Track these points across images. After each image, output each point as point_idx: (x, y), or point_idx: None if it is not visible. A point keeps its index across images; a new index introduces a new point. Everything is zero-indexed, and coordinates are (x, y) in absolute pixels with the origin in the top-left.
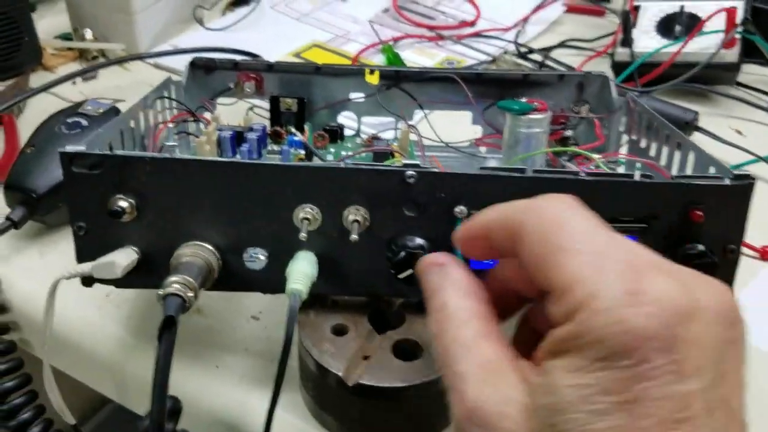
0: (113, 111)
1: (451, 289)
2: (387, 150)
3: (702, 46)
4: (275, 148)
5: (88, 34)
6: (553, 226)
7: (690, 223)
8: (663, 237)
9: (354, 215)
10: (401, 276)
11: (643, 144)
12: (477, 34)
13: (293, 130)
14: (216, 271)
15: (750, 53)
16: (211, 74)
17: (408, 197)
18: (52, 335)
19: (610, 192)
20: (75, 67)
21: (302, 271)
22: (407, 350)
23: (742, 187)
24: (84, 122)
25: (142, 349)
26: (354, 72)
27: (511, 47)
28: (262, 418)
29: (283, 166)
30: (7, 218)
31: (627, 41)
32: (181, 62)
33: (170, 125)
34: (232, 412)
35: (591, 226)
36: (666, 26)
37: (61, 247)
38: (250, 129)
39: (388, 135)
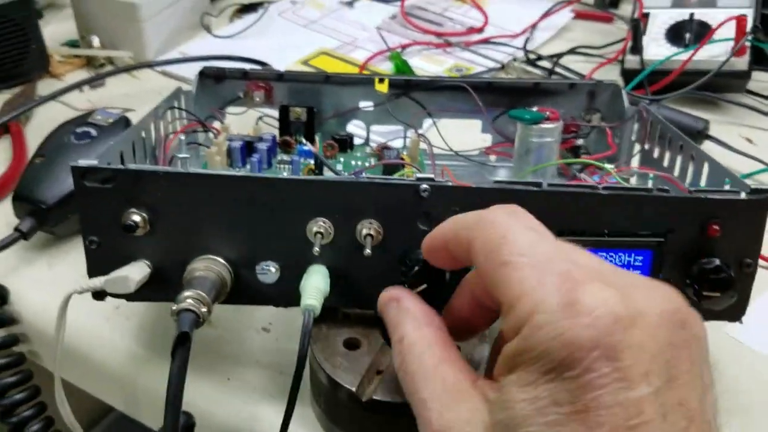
0: (122, 121)
1: (408, 321)
2: (398, 162)
3: (712, 54)
4: (285, 157)
5: (96, 41)
6: (498, 240)
7: (706, 238)
8: (679, 251)
9: (367, 229)
10: (416, 291)
11: (655, 154)
12: (485, 41)
13: (303, 140)
14: (229, 285)
15: (760, 61)
16: (221, 83)
17: (421, 210)
18: (62, 347)
19: (627, 206)
20: (82, 74)
21: (316, 286)
22: None
23: (759, 202)
24: (93, 132)
25: (152, 361)
26: (363, 81)
27: (520, 54)
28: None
29: (297, 179)
30: (16, 229)
31: (637, 49)
32: (189, 70)
33: (181, 136)
34: (244, 426)
35: (534, 237)
36: (675, 34)
37: (71, 258)
38: (260, 139)
39: (398, 144)
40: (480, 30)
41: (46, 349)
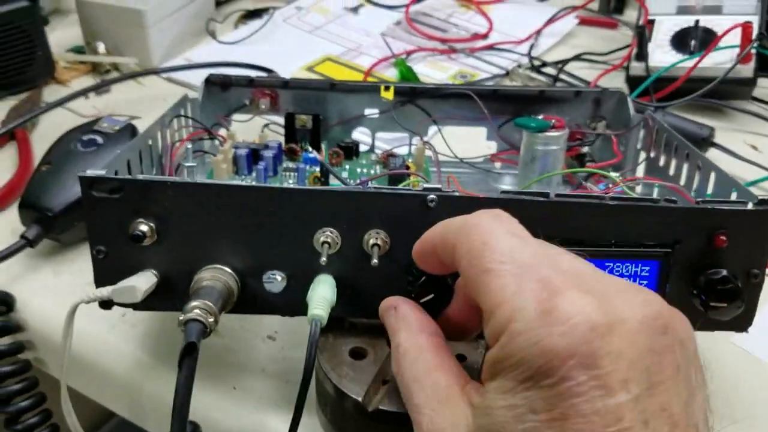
0: (129, 128)
1: (403, 329)
2: (404, 172)
3: (717, 61)
4: (291, 165)
5: (101, 47)
6: (480, 247)
7: (713, 248)
8: (686, 262)
9: (374, 239)
10: (422, 301)
11: (661, 162)
12: (490, 47)
13: (309, 147)
14: (235, 294)
15: (765, 68)
16: (227, 91)
17: (429, 221)
18: (69, 356)
19: (634, 216)
20: (88, 80)
21: (323, 296)
22: None
23: (766, 213)
24: (100, 140)
25: (158, 368)
26: (369, 88)
27: (525, 60)
28: None
29: (305, 190)
30: (22, 236)
31: (642, 55)
32: (195, 76)
33: (187, 143)
34: None
35: (515, 243)
36: (681, 41)
37: (77, 266)
38: (266, 146)
39: (403, 151)
40: (484, 36)
41: (52, 356)
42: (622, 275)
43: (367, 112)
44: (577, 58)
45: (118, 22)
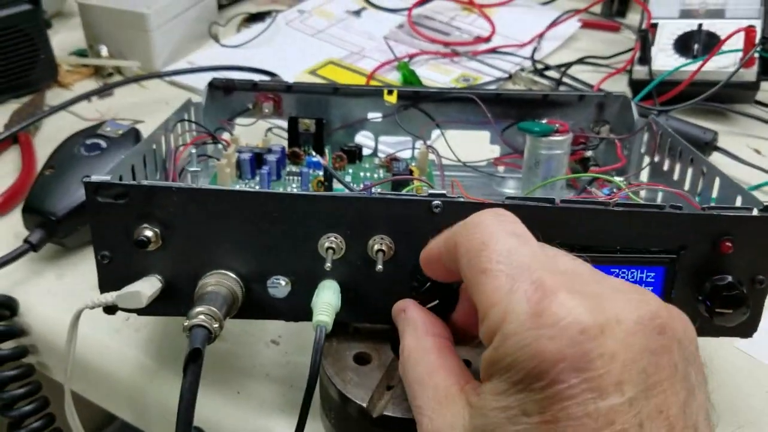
0: (132, 132)
1: (409, 332)
2: (408, 177)
3: (720, 65)
4: (294, 169)
5: (104, 50)
6: (479, 247)
7: (719, 254)
8: (691, 268)
9: (379, 245)
10: (427, 306)
11: (665, 167)
12: (492, 50)
13: (312, 151)
14: (240, 299)
15: None
16: (230, 95)
17: (433, 226)
18: (73, 361)
19: (639, 222)
20: (90, 83)
21: (328, 302)
22: None
23: None
24: (103, 144)
25: (161, 373)
26: (372, 92)
27: (528, 64)
28: None
29: (309, 195)
30: (26, 241)
31: (645, 59)
32: (198, 79)
33: (191, 148)
34: None
35: (514, 243)
36: (684, 44)
37: (80, 270)
38: (269, 150)
39: (406, 155)
40: (487, 39)
41: (56, 360)
42: (627, 281)
43: (370, 115)
44: (580, 61)
45: (121, 25)
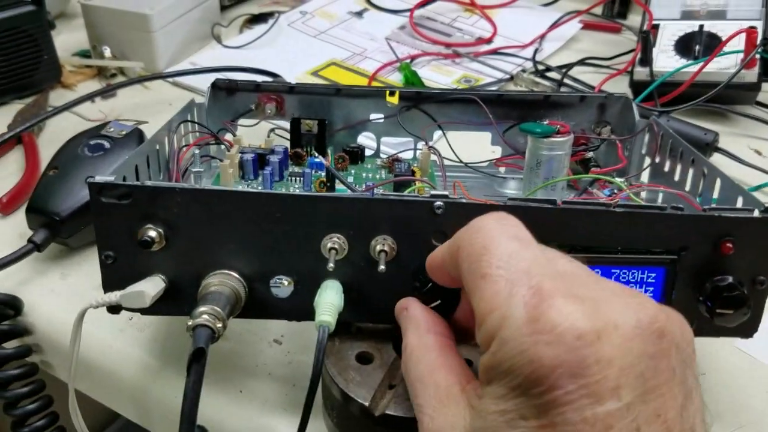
0: (135, 133)
1: (411, 330)
2: (410, 178)
3: (721, 66)
4: (297, 169)
5: (107, 51)
6: (480, 251)
7: (719, 255)
8: (692, 268)
9: (381, 245)
10: (430, 306)
11: (666, 168)
12: (494, 52)
13: (315, 152)
14: (243, 299)
15: None
16: (233, 96)
17: (435, 227)
18: (77, 361)
19: (641, 223)
20: (93, 84)
21: (330, 302)
22: None
23: None
24: (107, 144)
25: (165, 372)
26: (374, 93)
27: (529, 65)
28: None
29: (312, 196)
30: (30, 240)
31: (646, 60)
32: (201, 80)
33: (194, 148)
34: None
35: (515, 247)
36: (685, 45)
37: (84, 270)
38: (272, 151)
39: (408, 155)
40: (489, 40)
41: (59, 359)
42: (628, 282)
43: (373, 116)
44: (581, 62)
45: (124, 26)
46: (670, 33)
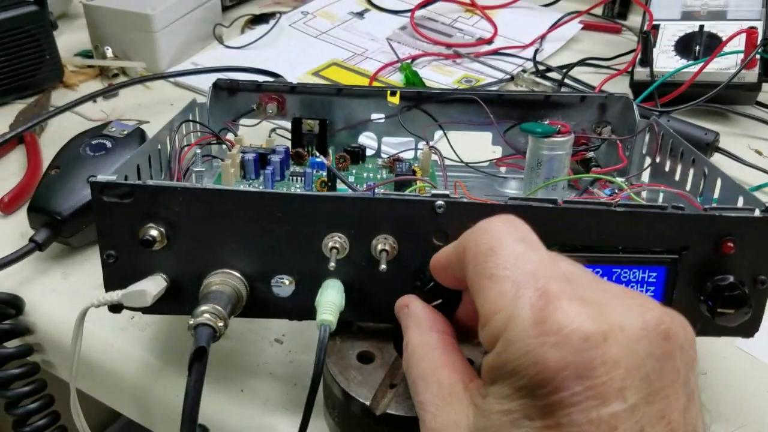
0: (137, 132)
1: (413, 327)
2: (411, 177)
3: (721, 66)
4: (298, 169)
5: (109, 51)
6: (487, 252)
7: (720, 254)
8: (693, 268)
9: (382, 244)
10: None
11: (667, 167)
12: (495, 52)
13: (316, 152)
14: (244, 298)
15: None
16: (234, 96)
17: (437, 227)
18: (78, 360)
19: (642, 223)
20: (95, 84)
21: (331, 301)
22: None
23: None
24: (108, 144)
25: (166, 371)
26: (375, 93)
27: (529, 65)
28: None
29: (314, 196)
30: (32, 240)
31: (646, 61)
32: (202, 80)
33: (196, 148)
34: None
35: (522, 250)
36: (685, 46)
37: (86, 269)
38: (273, 151)
39: (409, 155)
40: (489, 41)
41: (61, 358)
42: (629, 281)
43: (374, 116)
44: (582, 63)
45: (126, 26)
46: (670, 33)
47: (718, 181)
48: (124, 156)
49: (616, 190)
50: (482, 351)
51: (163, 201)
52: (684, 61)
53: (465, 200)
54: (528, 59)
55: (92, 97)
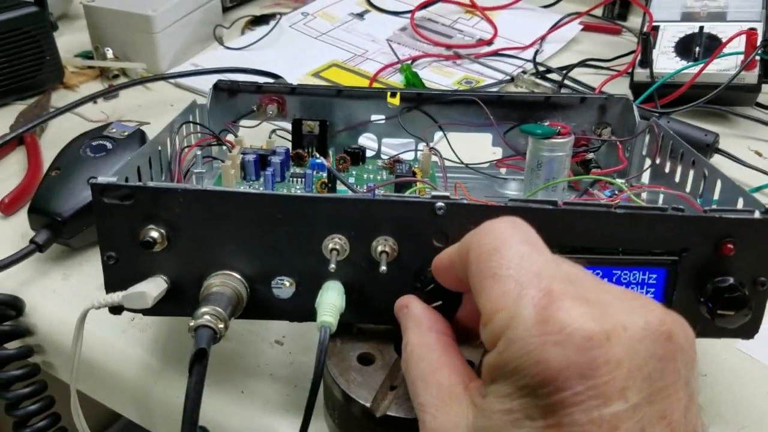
0: (138, 134)
1: (412, 328)
2: (411, 179)
3: (721, 67)
4: (298, 170)
5: (109, 52)
6: (490, 252)
7: (720, 256)
8: (693, 269)
9: (382, 246)
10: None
11: (666, 169)
12: (495, 53)
13: (316, 153)
14: (244, 300)
15: None
16: (235, 97)
17: (437, 228)
18: (79, 362)
19: (642, 225)
20: (96, 85)
21: (332, 303)
22: None
23: None
24: (109, 145)
25: (166, 373)
26: (375, 94)
27: (529, 66)
28: None
29: (313, 197)
30: (32, 241)
31: (646, 62)
32: (203, 81)
33: (196, 149)
34: None
35: (526, 251)
36: (685, 47)
37: (86, 270)
38: (274, 152)
39: (409, 156)
40: (489, 42)
41: (61, 360)
42: (629, 283)
43: (374, 117)
44: (582, 64)
45: (126, 27)
46: (670, 34)
47: (718, 183)
48: (124, 157)
49: (616, 192)
50: (485, 351)
51: (164, 203)
52: (684, 63)
53: (465, 202)
54: (528, 60)
55: (92, 98)
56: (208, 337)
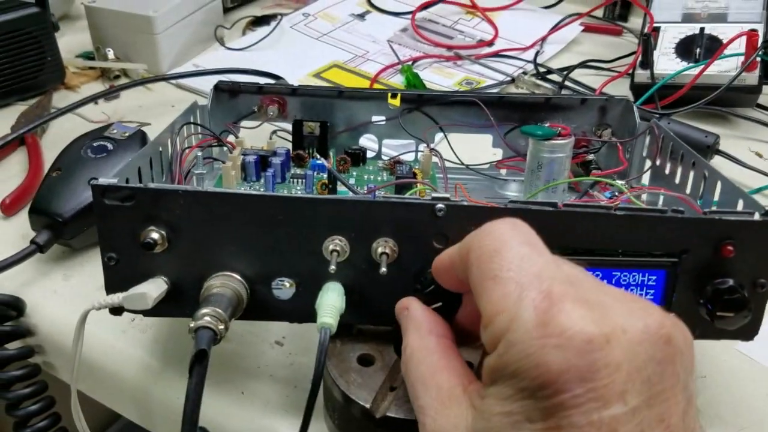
0: (139, 134)
1: (412, 331)
2: (411, 180)
3: (722, 68)
4: (298, 171)
5: (110, 53)
6: (491, 253)
7: (720, 258)
8: (693, 271)
9: (383, 247)
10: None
11: (667, 170)
12: (495, 54)
13: (317, 154)
14: (245, 301)
15: None
16: (235, 98)
17: (437, 229)
18: (79, 362)
19: (641, 226)
20: (97, 86)
21: (332, 304)
22: None
23: None
24: (110, 146)
25: (167, 373)
26: (375, 95)
27: (530, 67)
28: None
29: (314, 198)
30: (33, 242)
31: (647, 63)
32: (204, 82)
33: (197, 150)
34: None
35: (527, 252)
36: (686, 48)
37: (87, 271)
38: (274, 153)
39: (409, 157)
40: (490, 43)
41: (62, 360)
42: (629, 284)
43: (374, 119)
44: (582, 65)
45: (128, 28)
46: (671, 36)
47: (718, 184)
48: (125, 158)
49: (617, 193)
50: (485, 353)
51: (164, 204)
52: (684, 64)
53: (465, 203)
54: (529, 61)
55: (94, 98)
56: (209, 338)
